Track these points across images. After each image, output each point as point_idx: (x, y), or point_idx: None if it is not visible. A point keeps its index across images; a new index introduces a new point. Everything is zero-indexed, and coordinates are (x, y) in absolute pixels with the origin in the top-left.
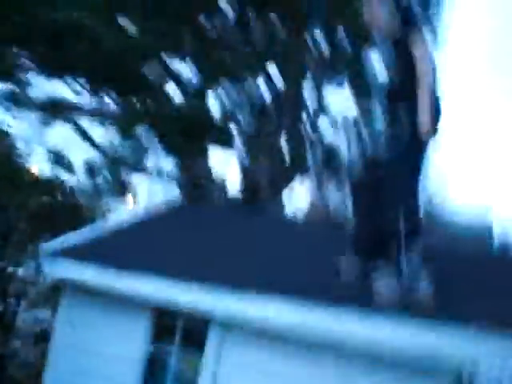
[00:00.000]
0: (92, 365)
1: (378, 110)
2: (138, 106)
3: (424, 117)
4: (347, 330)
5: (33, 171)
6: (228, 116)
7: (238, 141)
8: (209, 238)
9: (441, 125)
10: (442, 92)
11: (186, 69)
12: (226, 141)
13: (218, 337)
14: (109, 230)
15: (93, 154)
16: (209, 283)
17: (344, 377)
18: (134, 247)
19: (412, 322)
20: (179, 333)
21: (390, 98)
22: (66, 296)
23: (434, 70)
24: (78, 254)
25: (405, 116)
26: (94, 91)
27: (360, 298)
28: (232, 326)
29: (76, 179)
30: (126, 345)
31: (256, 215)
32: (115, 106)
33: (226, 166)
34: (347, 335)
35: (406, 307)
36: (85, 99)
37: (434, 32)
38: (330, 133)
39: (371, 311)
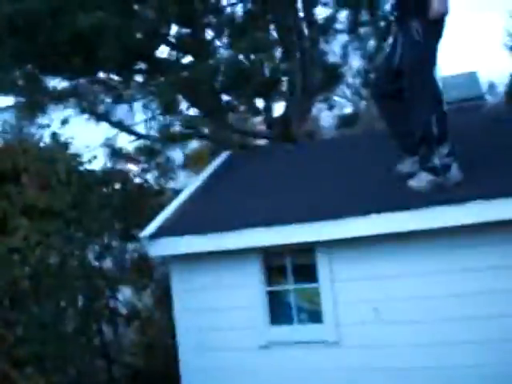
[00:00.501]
0: (218, 322)
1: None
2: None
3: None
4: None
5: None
6: None
7: None
8: (287, 178)
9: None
10: None
11: None
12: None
13: (327, 264)
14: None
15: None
16: (307, 217)
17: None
18: (221, 204)
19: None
20: (291, 270)
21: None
22: (175, 271)
23: None
24: (176, 229)
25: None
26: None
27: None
28: (336, 251)
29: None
30: (245, 294)
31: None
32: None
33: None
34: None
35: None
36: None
37: None
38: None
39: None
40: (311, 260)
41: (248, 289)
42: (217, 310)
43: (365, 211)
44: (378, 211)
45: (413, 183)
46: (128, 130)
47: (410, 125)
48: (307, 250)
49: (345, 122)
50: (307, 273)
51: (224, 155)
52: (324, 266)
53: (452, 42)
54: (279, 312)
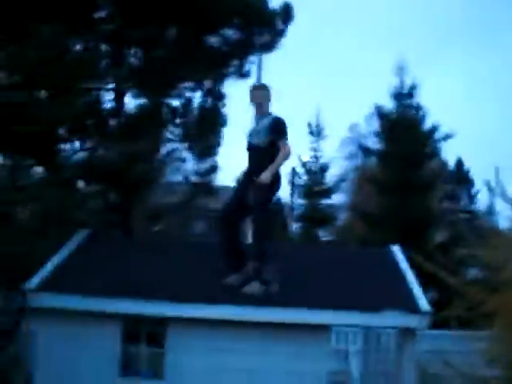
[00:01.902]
0: (76, 370)
1: None
2: None
3: (265, 175)
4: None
5: None
6: None
7: None
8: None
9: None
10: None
11: None
12: None
13: (175, 335)
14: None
15: None
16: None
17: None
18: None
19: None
20: (145, 335)
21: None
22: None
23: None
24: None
25: None
26: None
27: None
28: (184, 326)
29: None
30: (103, 350)
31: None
32: None
33: None
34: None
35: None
36: None
37: None
38: None
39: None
40: (163, 330)
41: (107, 346)
42: (79, 361)
43: (212, 300)
44: (224, 302)
45: (247, 289)
46: None
47: (239, 248)
48: (161, 322)
49: None
50: (158, 339)
51: (84, 231)
52: (171, 335)
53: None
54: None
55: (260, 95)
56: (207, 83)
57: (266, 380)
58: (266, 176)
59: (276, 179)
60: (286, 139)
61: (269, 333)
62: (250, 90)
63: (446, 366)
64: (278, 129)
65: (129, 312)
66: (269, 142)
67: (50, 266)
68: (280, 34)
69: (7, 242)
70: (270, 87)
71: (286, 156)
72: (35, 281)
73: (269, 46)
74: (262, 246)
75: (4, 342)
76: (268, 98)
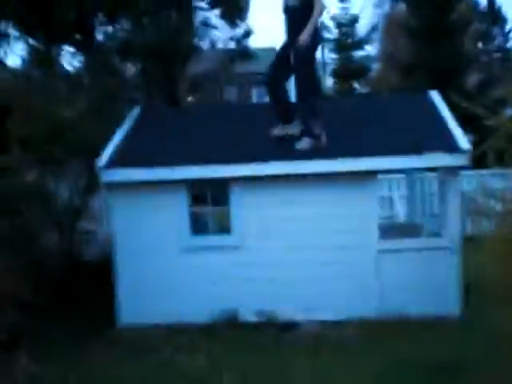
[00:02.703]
0: (152, 233)
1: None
2: None
3: (303, 35)
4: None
5: None
6: None
7: None
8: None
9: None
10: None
11: None
12: None
13: (237, 194)
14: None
15: None
16: (223, 159)
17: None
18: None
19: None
20: (210, 197)
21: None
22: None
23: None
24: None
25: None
26: None
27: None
28: (243, 184)
29: None
30: (174, 212)
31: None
32: None
33: None
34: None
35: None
36: None
37: None
38: None
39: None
40: (226, 190)
41: (177, 209)
42: (152, 224)
43: (266, 158)
44: (277, 159)
45: (299, 145)
46: None
47: (289, 103)
48: (222, 183)
49: None
50: (222, 199)
51: (137, 108)
52: (234, 194)
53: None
54: (200, 225)
55: None
56: None
57: (312, 225)
58: (304, 36)
59: (314, 37)
60: None
61: (320, 183)
62: None
63: (488, 197)
64: None
65: (193, 177)
66: (303, 1)
67: (114, 144)
68: None
69: (69, 126)
70: None
71: (321, 12)
72: (104, 158)
73: None
74: (309, 102)
75: (75, 219)
76: None
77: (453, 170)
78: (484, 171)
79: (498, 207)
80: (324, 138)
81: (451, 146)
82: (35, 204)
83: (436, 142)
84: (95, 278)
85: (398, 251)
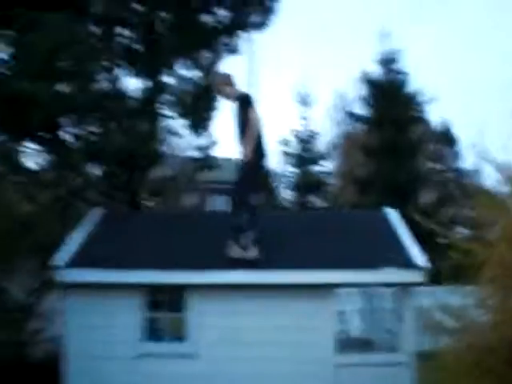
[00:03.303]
0: (105, 337)
1: None
2: None
3: (246, 150)
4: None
5: None
6: None
7: None
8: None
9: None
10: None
11: None
12: None
13: (193, 301)
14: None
15: None
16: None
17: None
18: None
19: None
20: (167, 302)
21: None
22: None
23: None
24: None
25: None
26: None
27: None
28: (200, 291)
29: None
30: (129, 317)
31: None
32: None
33: None
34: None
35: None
36: None
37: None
38: None
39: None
40: (183, 296)
41: (133, 314)
42: (105, 328)
43: (220, 266)
44: (231, 267)
45: (229, 252)
46: None
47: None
48: (181, 289)
49: None
50: (179, 306)
51: (99, 210)
52: (191, 301)
53: None
54: (155, 331)
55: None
56: (200, 60)
57: (271, 336)
58: (246, 151)
59: (257, 151)
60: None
61: (273, 294)
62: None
63: (444, 313)
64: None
65: (149, 281)
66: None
67: (72, 244)
68: (270, 11)
69: (27, 223)
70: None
71: (255, 125)
72: (61, 258)
73: (260, 25)
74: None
75: (25, 318)
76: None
77: (408, 286)
78: (441, 288)
79: (454, 324)
80: (254, 251)
81: (407, 263)
82: None
83: (392, 258)
84: (43, 379)
85: (354, 366)
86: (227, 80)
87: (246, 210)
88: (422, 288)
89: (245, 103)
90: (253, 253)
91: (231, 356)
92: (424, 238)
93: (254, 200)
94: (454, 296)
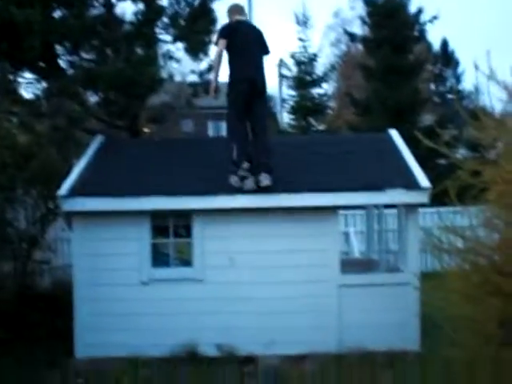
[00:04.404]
0: (112, 264)
1: None
2: None
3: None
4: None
5: None
6: None
7: None
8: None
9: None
10: None
11: None
12: None
13: (199, 225)
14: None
15: None
16: (187, 191)
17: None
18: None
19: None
20: (172, 228)
21: None
22: (78, 225)
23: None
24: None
25: None
26: None
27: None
28: (206, 217)
29: None
30: (135, 243)
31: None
32: None
33: None
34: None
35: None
36: None
37: None
38: None
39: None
40: (188, 222)
41: (139, 241)
42: (112, 255)
43: (224, 192)
44: (239, 192)
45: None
46: None
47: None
48: (186, 214)
49: None
50: (184, 231)
51: (99, 138)
52: (197, 226)
53: None
54: (161, 258)
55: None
56: None
57: (275, 259)
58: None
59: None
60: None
61: (283, 217)
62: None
63: (449, 233)
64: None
65: (156, 208)
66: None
67: (75, 173)
68: None
69: (31, 154)
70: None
71: (215, 56)
72: (65, 187)
73: None
74: (262, 139)
75: (30, 249)
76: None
77: (412, 207)
78: (445, 208)
79: (459, 244)
80: (250, 182)
81: (411, 184)
82: None
83: (396, 179)
84: (50, 309)
85: (358, 286)
86: None
87: (237, 139)
88: (425, 209)
89: (218, 34)
90: (250, 184)
91: (237, 280)
92: (424, 160)
93: (244, 129)
94: (458, 216)
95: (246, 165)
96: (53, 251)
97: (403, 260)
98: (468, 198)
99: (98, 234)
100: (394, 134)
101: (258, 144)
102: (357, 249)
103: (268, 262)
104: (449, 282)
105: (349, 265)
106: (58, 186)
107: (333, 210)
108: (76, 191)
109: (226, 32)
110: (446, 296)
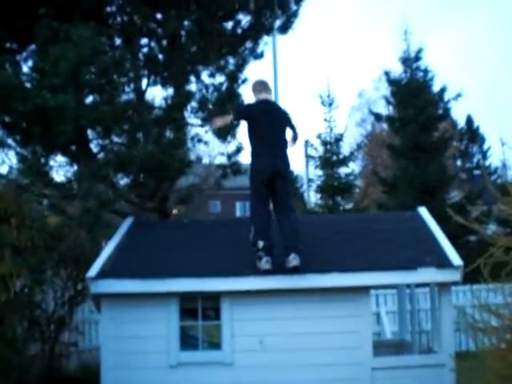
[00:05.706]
0: (140, 347)
1: None
2: None
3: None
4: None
5: None
6: None
7: None
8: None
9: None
10: None
11: None
12: None
13: (228, 307)
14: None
15: None
16: (215, 272)
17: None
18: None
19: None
20: (201, 311)
21: None
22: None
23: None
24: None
25: None
26: None
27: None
28: (235, 299)
29: None
30: (163, 326)
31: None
32: None
33: None
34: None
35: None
36: None
37: None
38: None
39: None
40: (217, 304)
41: (167, 323)
42: (140, 338)
43: (253, 274)
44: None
45: (290, 262)
46: None
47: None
48: (214, 296)
49: None
50: (213, 313)
51: (129, 220)
52: (226, 308)
53: None
54: (189, 341)
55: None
56: (224, 66)
57: (305, 342)
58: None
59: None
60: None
61: (313, 298)
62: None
63: (484, 311)
64: None
65: (184, 289)
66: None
67: (104, 255)
68: (294, 15)
69: (61, 236)
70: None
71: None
72: (94, 269)
73: (283, 28)
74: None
75: (59, 330)
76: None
77: (445, 286)
78: (477, 285)
79: (494, 322)
80: (264, 261)
81: (443, 262)
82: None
83: (428, 257)
84: None
85: (392, 368)
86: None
87: (254, 220)
88: (458, 287)
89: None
90: (264, 264)
91: (267, 363)
92: (454, 237)
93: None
94: (492, 294)
95: (261, 244)
96: (80, 333)
97: (437, 340)
98: (501, 275)
99: (126, 316)
100: (423, 211)
101: (284, 225)
102: (388, 329)
103: (298, 344)
104: (485, 362)
105: (381, 346)
106: (87, 268)
107: (365, 290)
108: (105, 273)
109: (244, 115)
110: (483, 376)
